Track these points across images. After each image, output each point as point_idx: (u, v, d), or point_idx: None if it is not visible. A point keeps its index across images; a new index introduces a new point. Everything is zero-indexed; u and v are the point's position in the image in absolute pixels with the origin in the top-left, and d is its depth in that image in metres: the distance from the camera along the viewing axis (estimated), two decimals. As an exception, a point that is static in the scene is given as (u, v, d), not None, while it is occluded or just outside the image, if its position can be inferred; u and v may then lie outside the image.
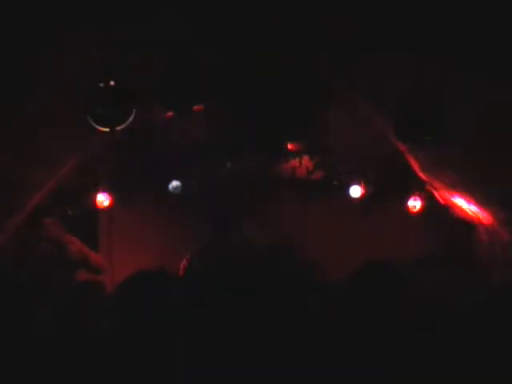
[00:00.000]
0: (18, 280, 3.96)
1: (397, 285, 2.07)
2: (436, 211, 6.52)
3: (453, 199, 5.98)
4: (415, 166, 5.97)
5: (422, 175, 6.17)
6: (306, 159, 6.68)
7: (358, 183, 6.73)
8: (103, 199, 6.50)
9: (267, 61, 4.27)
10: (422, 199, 6.56)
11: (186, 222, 6.87)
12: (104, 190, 6.48)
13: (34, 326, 2.98)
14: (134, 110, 3.77)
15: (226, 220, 6.14)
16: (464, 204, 5.75)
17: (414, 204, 6.60)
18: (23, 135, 4.27)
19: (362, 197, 6.76)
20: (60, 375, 2.62)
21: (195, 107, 4.18)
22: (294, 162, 6.68)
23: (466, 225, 6.14)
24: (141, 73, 4.01)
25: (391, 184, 6.72)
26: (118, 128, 3.78)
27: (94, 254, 5.86)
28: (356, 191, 6.72)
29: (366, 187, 6.74)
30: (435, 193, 6.40)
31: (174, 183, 6.50)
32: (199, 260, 5.29)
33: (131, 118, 3.79)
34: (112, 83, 3.69)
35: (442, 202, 6.38)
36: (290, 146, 6.37)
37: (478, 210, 5.52)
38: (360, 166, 6.73)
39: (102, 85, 3.69)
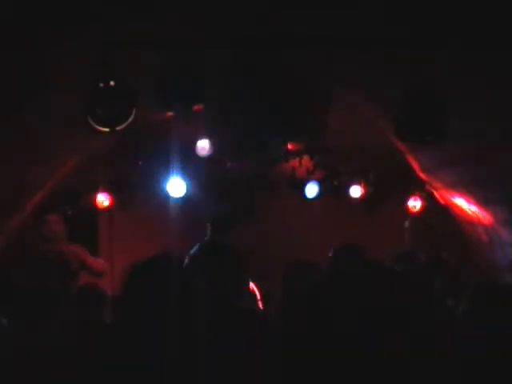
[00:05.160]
0: (17, 280, 3.97)
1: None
2: (436, 211, 6.53)
3: (453, 199, 5.98)
4: (415, 166, 5.97)
5: (421, 175, 6.17)
6: (306, 159, 6.69)
7: (358, 183, 6.73)
8: (103, 199, 6.50)
9: (267, 61, 4.27)
10: (422, 199, 6.56)
11: (186, 223, 6.87)
12: (104, 190, 6.48)
13: (35, 327, 2.99)
14: (134, 109, 3.77)
15: (226, 220, 6.15)
16: (464, 204, 5.75)
17: (414, 204, 6.61)
18: (23, 135, 4.27)
19: (362, 197, 6.76)
20: (60, 376, 2.62)
21: (195, 107, 4.18)
22: (294, 162, 6.68)
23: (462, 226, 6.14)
24: (141, 73, 4.01)
25: (391, 184, 6.73)
26: (118, 128, 3.78)
27: (94, 258, 5.85)
28: (356, 191, 6.73)
29: (365, 187, 6.75)
30: (435, 193, 6.40)
31: (172, 184, 6.50)
32: (200, 260, 5.28)
33: (131, 118, 3.79)
34: (112, 83, 3.69)
35: (441, 202, 6.38)
36: (290, 146, 6.37)
37: (477, 210, 5.53)
38: (360, 165, 6.73)
39: (102, 85, 3.69)
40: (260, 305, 4.73)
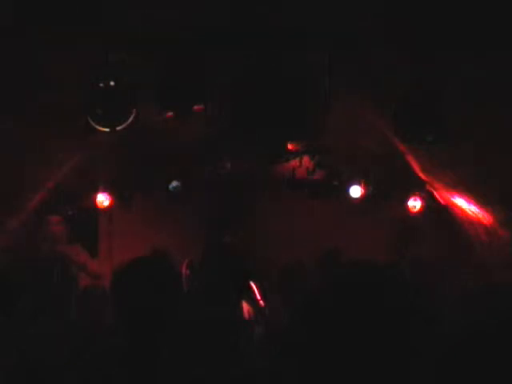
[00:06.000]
0: (18, 280, 3.98)
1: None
2: (436, 211, 6.53)
3: (453, 199, 5.98)
4: (415, 166, 5.98)
5: (421, 175, 6.17)
6: (306, 159, 6.68)
7: (358, 183, 6.73)
8: (103, 199, 6.50)
9: (267, 61, 4.27)
10: (422, 199, 6.56)
11: (186, 222, 6.87)
12: (104, 190, 6.48)
13: (35, 326, 2.99)
14: (134, 109, 3.77)
15: (226, 220, 6.15)
16: (464, 204, 5.75)
17: (414, 204, 6.61)
18: (23, 135, 4.27)
19: (362, 197, 6.76)
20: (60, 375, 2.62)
21: (195, 107, 4.18)
22: (294, 162, 6.68)
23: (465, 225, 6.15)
24: (141, 73, 4.01)
25: (391, 184, 6.73)
26: (118, 128, 3.79)
27: (93, 260, 5.85)
28: (356, 191, 6.73)
29: (365, 187, 6.75)
30: (435, 193, 6.40)
31: (174, 183, 6.50)
32: (200, 263, 5.29)
33: (131, 118, 3.79)
34: (112, 83, 3.69)
35: (441, 202, 6.38)
36: (290, 146, 6.37)
37: (477, 210, 5.53)
38: (360, 165, 6.73)
39: (101, 85, 3.70)
40: (260, 304, 4.73)
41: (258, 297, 4.77)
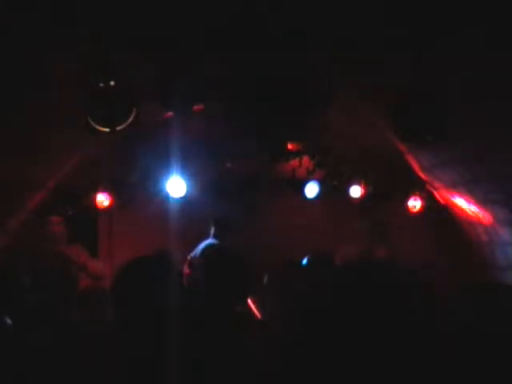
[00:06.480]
0: (18, 280, 3.98)
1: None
2: (436, 211, 6.53)
3: (453, 199, 5.98)
4: (415, 166, 5.98)
5: (422, 175, 6.17)
6: (305, 159, 6.68)
7: (358, 183, 6.73)
8: (103, 199, 6.49)
9: (267, 61, 4.27)
10: (422, 199, 6.57)
11: (186, 223, 6.86)
12: (104, 190, 6.48)
13: (34, 325, 2.99)
14: (134, 109, 3.77)
15: (226, 220, 6.14)
16: (464, 204, 5.75)
17: (414, 204, 6.61)
18: (23, 135, 4.27)
19: (362, 197, 6.76)
20: (60, 375, 2.62)
21: (195, 107, 4.17)
22: (294, 161, 6.68)
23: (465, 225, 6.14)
24: (141, 73, 4.01)
25: (391, 184, 6.73)
26: (118, 128, 3.78)
27: (94, 261, 5.85)
28: (356, 191, 6.73)
29: (365, 187, 6.75)
30: (435, 193, 6.41)
31: (172, 184, 6.50)
32: (200, 262, 5.29)
33: (131, 118, 3.78)
34: (112, 83, 3.69)
35: (441, 201, 6.38)
36: (290, 146, 6.37)
37: (477, 210, 5.53)
38: (360, 165, 6.73)
39: (101, 85, 3.69)
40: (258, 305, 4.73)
41: (254, 299, 4.77)
